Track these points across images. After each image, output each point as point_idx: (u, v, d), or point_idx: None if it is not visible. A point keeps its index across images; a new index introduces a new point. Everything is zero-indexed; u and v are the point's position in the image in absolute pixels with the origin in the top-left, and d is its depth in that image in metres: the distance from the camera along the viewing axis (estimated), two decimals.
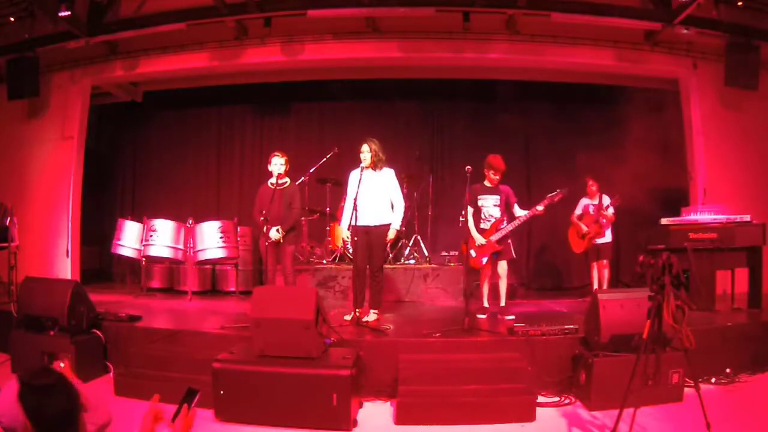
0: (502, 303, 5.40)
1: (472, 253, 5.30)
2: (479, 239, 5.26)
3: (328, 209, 7.30)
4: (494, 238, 5.26)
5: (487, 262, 5.35)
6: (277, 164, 5.07)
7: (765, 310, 5.28)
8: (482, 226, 5.33)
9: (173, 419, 1.75)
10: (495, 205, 5.34)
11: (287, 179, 5.17)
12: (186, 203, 8.51)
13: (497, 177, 5.34)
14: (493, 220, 5.32)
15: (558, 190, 5.21)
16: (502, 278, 5.37)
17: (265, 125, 9.02)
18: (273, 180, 5.10)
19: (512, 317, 5.12)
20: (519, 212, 5.32)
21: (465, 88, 8.30)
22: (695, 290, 5.16)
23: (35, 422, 1.39)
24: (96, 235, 8.62)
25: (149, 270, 7.50)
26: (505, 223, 5.30)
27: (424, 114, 8.74)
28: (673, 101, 7.47)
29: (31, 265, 6.75)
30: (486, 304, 5.47)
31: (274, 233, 4.92)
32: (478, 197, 5.33)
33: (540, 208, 5.18)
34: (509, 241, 5.35)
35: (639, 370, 3.11)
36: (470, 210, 5.30)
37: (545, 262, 8.41)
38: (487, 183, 5.41)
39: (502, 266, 5.36)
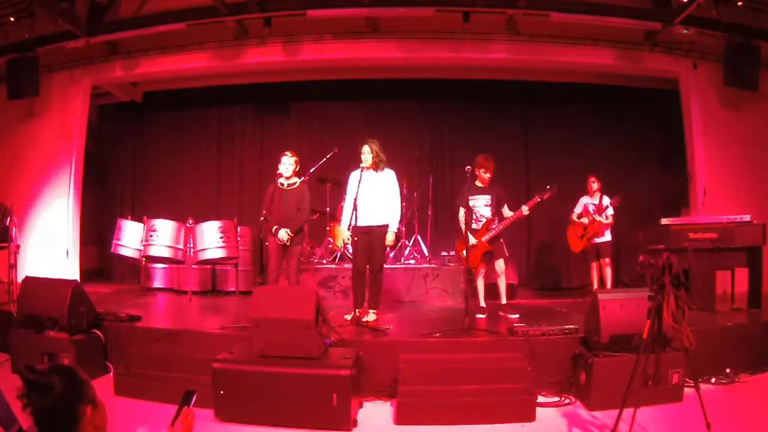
0: (503, 301, 5.41)
1: (464, 253, 5.32)
2: (471, 239, 5.25)
3: (328, 209, 7.30)
4: (485, 238, 5.27)
5: (480, 262, 5.36)
6: (286, 164, 5.04)
7: (765, 310, 5.28)
8: (474, 226, 5.33)
9: (173, 423, 1.75)
10: (486, 205, 5.35)
11: (296, 179, 5.15)
12: (186, 203, 8.50)
13: (488, 176, 5.34)
14: (484, 220, 5.32)
15: (548, 187, 5.21)
16: (501, 276, 5.37)
17: (265, 125, 9.02)
18: (282, 180, 5.09)
19: (516, 315, 5.13)
20: (507, 213, 5.33)
21: (465, 88, 8.31)
22: (695, 290, 5.16)
23: (36, 417, 1.39)
24: (96, 235, 8.63)
25: (149, 270, 7.51)
26: (495, 223, 5.30)
27: (424, 114, 8.74)
28: (673, 101, 7.47)
29: (31, 265, 6.76)
30: (483, 304, 5.47)
31: (284, 234, 4.91)
32: (470, 198, 5.29)
33: (525, 209, 5.19)
34: (501, 240, 5.36)
35: (639, 370, 3.11)
36: (462, 210, 5.29)
37: (545, 261, 8.42)
38: (478, 183, 5.40)
39: (499, 265, 5.35)
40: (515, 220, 5.26)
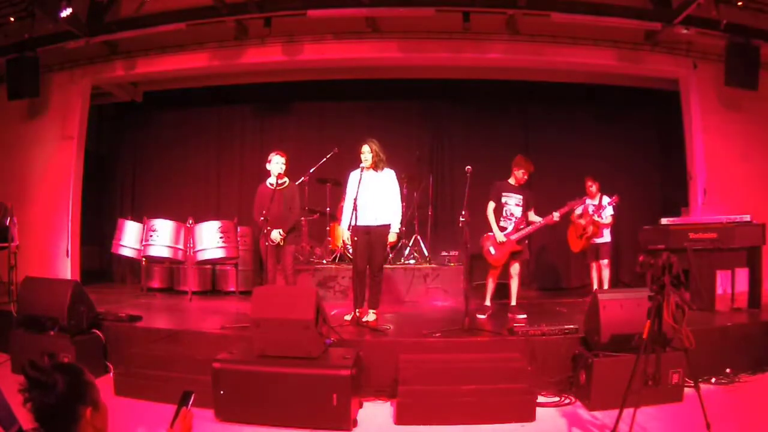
0: (513, 302, 5.43)
1: (491, 250, 5.31)
2: (500, 237, 5.27)
3: (328, 209, 7.30)
4: (515, 237, 5.28)
5: (505, 262, 5.36)
6: (279, 163, 5.05)
7: (765, 310, 5.28)
8: (502, 224, 5.35)
9: (172, 423, 1.76)
10: (517, 205, 5.37)
11: (286, 179, 5.16)
12: (186, 203, 8.50)
13: (525, 177, 5.38)
14: (514, 219, 5.33)
15: (577, 199, 5.36)
16: (514, 278, 5.40)
17: (265, 125, 9.01)
18: (272, 180, 5.09)
19: (524, 316, 5.13)
20: (533, 218, 5.34)
21: (465, 88, 8.30)
22: (695, 290, 5.16)
23: (36, 414, 1.39)
24: (96, 235, 8.62)
25: (149, 270, 7.50)
26: (524, 224, 5.31)
27: (424, 114, 8.74)
28: (673, 101, 7.47)
29: (31, 265, 6.75)
30: (488, 303, 5.47)
31: (276, 235, 4.91)
32: (503, 194, 5.35)
33: (557, 215, 5.22)
34: (526, 242, 5.38)
35: (639, 370, 3.11)
36: (492, 205, 5.31)
37: (545, 261, 8.41)
38: (512, 181, 5.43)
39: (515, 267, 5.38)
40: (545, 225, 5.28)
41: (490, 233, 5.36)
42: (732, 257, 5.39)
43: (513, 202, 5.36)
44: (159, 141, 9.19)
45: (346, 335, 4.32)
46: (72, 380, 1.45)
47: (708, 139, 7.08)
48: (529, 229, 5.30)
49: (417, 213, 7.44)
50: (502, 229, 5.32)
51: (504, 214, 5.36)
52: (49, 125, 7.70)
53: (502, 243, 5.28)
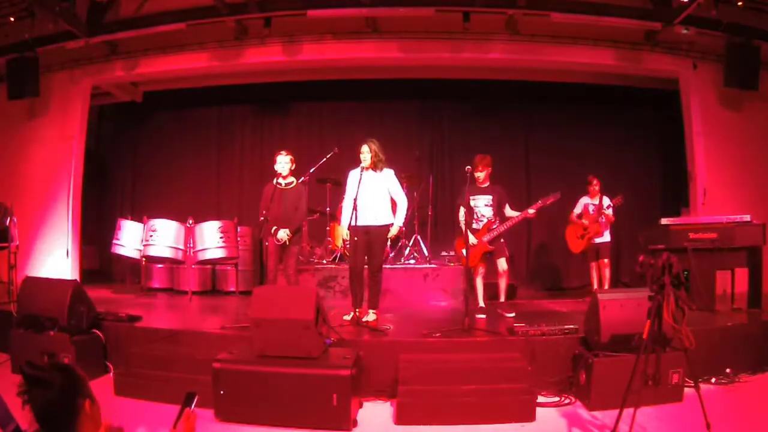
0: (502, 299, 5.43)
1: (464, 252, 5.33)
2: (471, 239, 5.28)
3: (328, 209, 7.30)
4: (486, 238, 5.29)
5: (480, 262, 5.37)
6: (282, 163, 5.05)
7: (765, 310, 5.28)
8: (474, 226, 5.36)
9: (175, 424, 1.76)
10: (487, 205, 5.37)
11: (293, 179, 5.15)
12: (186, 203, 8.49)
13: (482, 173, 5.38)
14: (485, 220, 5.35)
15: (551, 194, 5.26)
16: (503, 276, 5.39)
17: (265, 125, 9.02)
18: (279, 179, 5.08)
19: (512, 315, 5.14)
20: (510, 213, 5.35)
21: (465, 88, 8.31)
22: (695, 290, 5.16)
23: (37, 412, 1.40)
24: (96, 235, 8.63)
25: (149, 270, 7.51)
26: (497, 223, 5.31)
27: (424, 114, 8.74)
28: (673, 101, 7.47)
29: (31, 265, 6.75)
30: (482, 304, 5.48)
31: (283, 235, 4.91)
32: (471, 198, 5.35)
33: (531, 211, 5.23)
34: (502, 240, 5.36)
35: (639, 370, 3.11)
36: (462, 210, 5.32)
37: (545, 262, 8.42)
38: (478, 183, 5.44)
39: (502, 264, 5.36)
40: (521, 220, 5.28)
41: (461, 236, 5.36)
42: (732, 257, 5.38)
43: (482, 203, 5.38)
44: (159, 141, 9.19)
45: (346, 335, 4.31)
46: (68, 376, 1.48)
47: (708, 139, 7.07)
48: (502, 228, 5.28)
49: (417, 213, 7.43)
50: (474, 231, 5.33)
51: (475, 216, 5.38)
52: (49, 125, 7.71)
53: (473, 245, 5.28)
